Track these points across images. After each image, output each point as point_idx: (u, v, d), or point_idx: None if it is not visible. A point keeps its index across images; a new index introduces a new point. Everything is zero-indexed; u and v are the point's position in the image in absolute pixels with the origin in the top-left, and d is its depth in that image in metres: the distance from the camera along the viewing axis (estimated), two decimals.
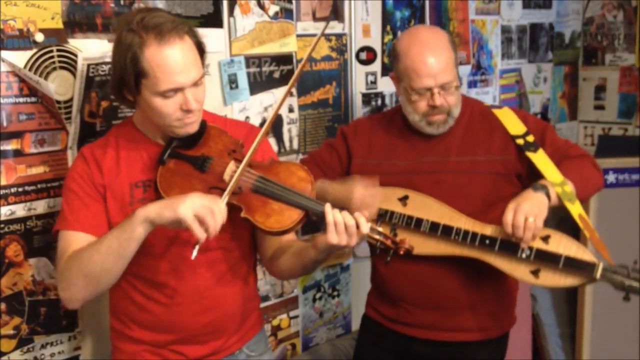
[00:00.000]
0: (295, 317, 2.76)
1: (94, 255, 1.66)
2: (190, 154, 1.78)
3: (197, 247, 1.61)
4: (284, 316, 2.72)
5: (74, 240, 1.73)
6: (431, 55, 2.09)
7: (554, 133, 2.27)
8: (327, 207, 1.69)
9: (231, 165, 1.77)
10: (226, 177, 1.75)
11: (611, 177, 3.51)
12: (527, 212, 1.99)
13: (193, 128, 1.76)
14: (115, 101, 1.84)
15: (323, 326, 2.88)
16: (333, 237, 1.67)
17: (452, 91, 2.12)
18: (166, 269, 1.79)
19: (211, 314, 1.83)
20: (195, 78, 1.69)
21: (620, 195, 3.50)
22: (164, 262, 1.78)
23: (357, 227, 1.68)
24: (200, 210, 1.58)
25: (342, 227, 1.67)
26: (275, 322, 2.69)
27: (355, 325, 2.97)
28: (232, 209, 1.72)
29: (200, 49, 1.74)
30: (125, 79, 1.68)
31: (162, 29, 1.64)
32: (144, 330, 1.82)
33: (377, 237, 1.75)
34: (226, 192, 1.69)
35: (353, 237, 1.68)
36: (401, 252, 1.77)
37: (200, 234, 1.58)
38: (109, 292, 1.89)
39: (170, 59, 1.64)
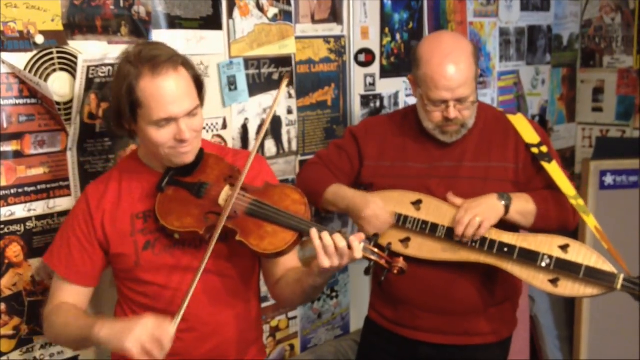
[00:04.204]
0: (294, 317, 2.77)
1: (60, 333, 1.77)
2: (187, 181, 1.80)
3: None
4: (283, 317, 2.73)
5: (60, 289, 1.84)
6: (452, 67, 2.04)
7: (557, 159, 2.25)
8: (313, 232, 1.68)
9: (226, 189, 1.79)
10: (221, 201, 1.77)
11: (609, 179, 3.52)
12: (477, 213, 2.05)
13: (189, 158, 1.78)
14: (116, 132, 1.86)
15: (322, 327, 2.89)
16: (324, 260, 1.66)
17: (468, 105, 2.10)
18: (167, 297, 1.79)
19: (212, 342, 1.83)
20: (189, 109, 1.71)
21: (618, 197, 3.51)
22: (165, 290, 1.79)
23: (350, 247, 1.66)
24: (148, 344, 1.55)
25: (332, 249, 1.65)
26: (273, 323, 2.70)
27: (354, 326, 2.97)
28: (228, 233, 1.73)
29: (198, 83, 1.78)
30: (122, 109, 1.72)
31: (157, 61, 1.69)
32: None
33: (370, 257, 1.72)
34: (221, 218, 1.70)
35: (344, 257, 1.65)
36: (395, 272, 1.74)
37: None
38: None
39: (163, 89, 1.68)
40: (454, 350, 2.24)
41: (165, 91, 1.68)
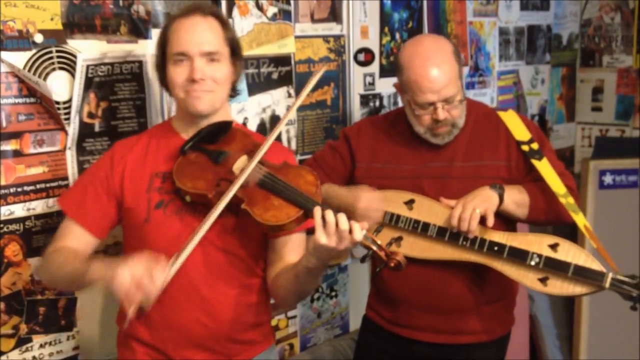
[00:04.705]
0: (293, 317, 2.77)
1: (56, 271, 1.79)
2: (209, 148, 1.83)
3: (127, 320, 1.60)
4: (282, 316, 2.73)
5: (66, 231, 1.84)
6: (434, 69, 2.05)
7: (551, 152, 2.26)
8: (316, 209, 1.66)
9: (242, 158, 1.81)
10: (235, 169, 1.79)
11: (608, 179, 3.52)
12: (475, 205, 2.04)
13: (201, 105, 1.81)
14: (160, 83, 1.92)
15: (321, 326, 2.89)
16: (321, 237, 1.64)
17: (456, 104, 2.10)
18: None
19: (209, 319, 1.83)
20: (205, 50, 1.77)
21: (617, 196, 3.51)
22: (165, 254, 1.77)
23: (350, 232, 1.64)
24: (138, 272, 1.54)
25: (332, 227, 1.63)
26: (273, 322, 2.69)
27: (353, 325, 2.98)
28: (236, 201, 1.74)
29: (230, 40, 1.84)
30: (157, 54, 1.84)
31: (190, 7, 1.83)
32: (145, 329, 1.83)
33: (370, 245, 1.70)
34: (233, 185, 1.71)
35: (343, 240, 1.63)
36: (391, 264, 1.71)
37: (129, 306, 1.54)
38: None
39: (185, 26, 1.78)
40: (450, 349, 2.24)
41: (186, 28, 1.78)
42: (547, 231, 2.18)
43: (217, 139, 1.85)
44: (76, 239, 1.82)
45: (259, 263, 1.92)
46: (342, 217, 1.64)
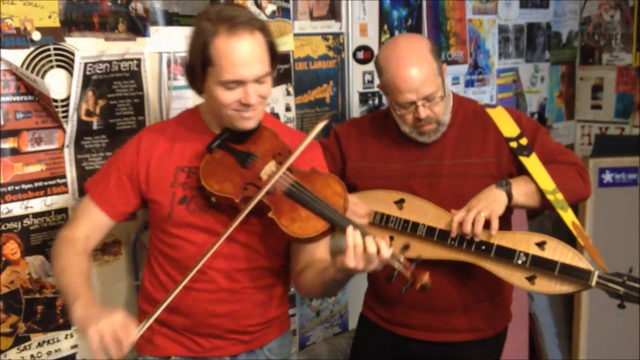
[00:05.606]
0: (292, 315, 2.76)
1: (57, 272, 1.82)
2: (237, 148, 1.82)
3: None
4: None
5: (86, 211, 1.88)
6: (410, 69, 2.06)
7: (546, 135, 2.26)
8: (349, 229, 1.65)
9: (271, 164, 1.80)
10: (263, 175, 1.78)
11: (608, 177, 3.52)
12: (480, 209, 2.03)
13: (250, 124, 1.79)
14: (190, 87, 1.87)
15: (320, 325, 2.89)
16: (350, 260, 1.63)
17: (437, 101, 2.10)
18: (190, 253, 1.80)
19: (225, 307, 1.84)
20: (259, 74, 1.72)
21: (617, 194, 3.51)
22: (190, 246, 1.81)
23: (378, 252, 1.63)
24: (107, 339, 1.56)
25: (360, 250, 1.62)
26: None
27: (352, 324, 2.97)
28: (262, 208, 1.73)
29: (272, 50, 1.78)
30: (194, 66, 1.74)
31: (235, 21, 1.70)
32: (164, 311, 1.83)
33: (397, 265, 1.68)
34: (260, 192, 1.71)
35: (372, 263, 1.63)
36: (417, 287, 1.69)
37: (98, 357, 1.58)
38: (144, 273, 1.95)
39: (236, 50, 1.69)
40: (445, 347, 2.24)
41: (238, 53, 1.69)
42: (546, 228, 2.17)
43: (244, 138, 1.83)
44: (93, 220, 1.86)
45: (280, 259, 1.92)
46: (369, 240, 1.63)
